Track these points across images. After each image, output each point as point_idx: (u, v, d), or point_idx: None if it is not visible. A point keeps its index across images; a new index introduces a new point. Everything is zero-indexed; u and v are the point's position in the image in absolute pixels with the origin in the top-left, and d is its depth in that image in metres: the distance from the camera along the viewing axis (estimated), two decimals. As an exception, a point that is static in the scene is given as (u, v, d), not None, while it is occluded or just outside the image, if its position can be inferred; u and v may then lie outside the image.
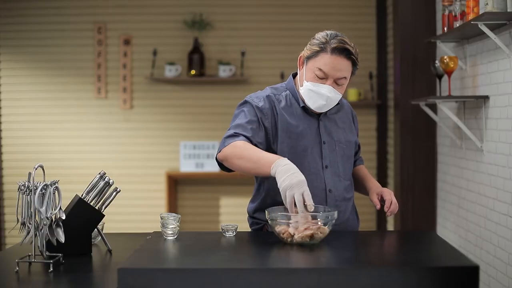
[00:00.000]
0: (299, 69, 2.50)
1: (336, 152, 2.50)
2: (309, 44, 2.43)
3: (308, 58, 2.42)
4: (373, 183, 2.61)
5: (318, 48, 2.38)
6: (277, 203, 2.36)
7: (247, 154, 2.28)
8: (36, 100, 5.80)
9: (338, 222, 2.22)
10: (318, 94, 2.41)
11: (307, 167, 2.43)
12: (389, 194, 2.50)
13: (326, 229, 2.11)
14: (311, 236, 2.08)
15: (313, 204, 2.13)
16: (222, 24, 5.79)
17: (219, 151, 2.38)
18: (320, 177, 2.45)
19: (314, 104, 2.43)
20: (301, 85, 2.46)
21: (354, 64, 2.40)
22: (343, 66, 2.37)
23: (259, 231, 2.54)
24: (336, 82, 2.40)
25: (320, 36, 2.40)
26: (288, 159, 2.40)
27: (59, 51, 5.79)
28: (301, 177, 2.14)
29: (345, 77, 2.40)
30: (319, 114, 2.50)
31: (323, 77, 2.39)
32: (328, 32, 2.41)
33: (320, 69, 2.38)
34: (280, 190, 2.14)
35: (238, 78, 5.67)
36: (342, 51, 2.36)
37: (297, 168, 2.18)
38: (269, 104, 2.46)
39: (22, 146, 5.81)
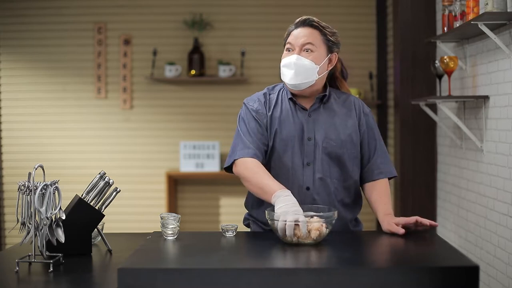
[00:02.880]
0: None
1: (322, 150, 2.44)
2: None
3: (284, 45, 2.52)
4: (382, 214, 2.39)
5: (287, 32, 2.51)
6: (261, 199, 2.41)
7: (254, 179, 2.37)
8: (36, 100, 5.80)
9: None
10: (287, 67, 2.46)
11: (286, 162, 2.44)
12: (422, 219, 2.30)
13: (313, 235, 2.10)
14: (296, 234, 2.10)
15: (307, 233, 2.10)
16: (222, 24, 5.79)
17: (231, 162, 2.46)
18: (299, 174, 2.43)
19: (286, 77, 2.47)
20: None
21: (324, 34, 2.46)
22: (306, 33, 2.45)
23: (258, 231, 2.54)
24: (303, 50, 2.45)
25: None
26: (273, 154, 2.46)
27: (59, 51, 5.79)
28: (298, 208, 2.19)
29: (310, 43, 2.44)
30: (307, 109, 2.49)
31: (290, 49, 2.47)
32: None
33: (287, 43, 2.49)
34: (275, 215, 2.16)
35: (238, 78, 5.67)
36: (303, 21, 2.47)
37: (296, 202, 2.22)
38: (262, 103, 2.51)
39: (22, 146, 5.81)
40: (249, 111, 2.50)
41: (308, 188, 2.43)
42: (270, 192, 2.28)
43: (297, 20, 2.50)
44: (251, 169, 2.39)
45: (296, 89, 2.47)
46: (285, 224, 2.10)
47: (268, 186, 2.30)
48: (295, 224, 2.09)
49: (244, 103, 2.55)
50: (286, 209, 2.17)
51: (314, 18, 2.48)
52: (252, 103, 2.52)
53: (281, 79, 2.53)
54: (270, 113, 2.49)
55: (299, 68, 2.43)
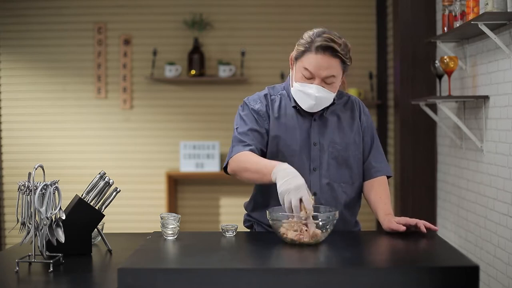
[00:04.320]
0: (291, 69, 2.48)
1: (328, 154, 2.43)
2: (297, 44, 2.41)
3: (296, 58, 2.40)
4: (383, 214, 2.37)
5: (303, 48, 2.36)
6: (267, 200, 2.39)
7: (250, 166, 2.30)
8: (36, 100, 5.80)
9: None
10: (306, 95, 2.38)
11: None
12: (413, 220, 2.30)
13: (319, 235, 2.10)
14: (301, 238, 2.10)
15: (312, 209, 2.10)
16: (222, 24, 5.79)
17: (226, 163, 2.41)
18: (306, 180, 2.36)
19: (305, 104, 2.40)
20: (292, 86, 2.44)
21: (343, 62, 2.35)
22: (329, 64, 2.33)
23: (258, 231, 2.53)
24: (325, 81, 2.36)
25: (307, 35, 2.38)
26: (276, 159, 2.39)
27: (59, 51, 5.79)
28: (300, 180, 2.13)
29: (333, 75, 2.35)
30: (312, 114, 2.46)
31: (310, 77, 2.36)
32: (316, 30, 2.38)
33: (306, 69, 2.35)
34: (279, 195, 2.14)
35: (238, 78, 5.67)
36: (327, 49, 2.31)
37: (297, 172, 2.17)
38: (265, 105, 2.46)
39: (22, 146, 5.81)
40: (250, 111, 2.45)
41: (315, 194, 2.41)
42: (268, 172, 2.22)
43: (317, 42, 2.32)
44: (245, 159, 2.33)
45: None
46: (291, 205, 2.09)
47: (265, 167, 2.24)
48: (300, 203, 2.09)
49: (244, 102, 2.49)
50: (287, 187, 2.12)
51: (335, 43, 2.32)
52: (253, 103, 2.46)
53: (288, 87, 2.49)
54: (273, 116, 2.44)
55: (320, 100, 2.37)
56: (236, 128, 2.45)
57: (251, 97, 2.51)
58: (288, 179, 2.14)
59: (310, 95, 2.37)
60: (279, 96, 2.49)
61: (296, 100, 2.43)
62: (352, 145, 2.48)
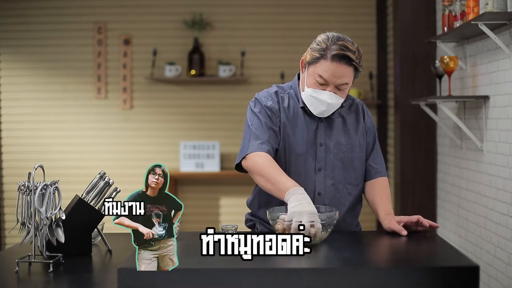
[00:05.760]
0: (302, 71, 2.47)
1: (334, 155, 2.44)
2: (310, 48, 2.38)
3: (309, 63, 2.38)
4: (383, 213, 2.38)
5: (318, 55, 2.34)
6: (272, 198, 2.38)
7: (267, 173, 2.30)
8: (36, 100, 5.80)
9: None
10: (319, 101, 2.37)
11: (299, 168, 2.41)
12: (420, 218, 2.30)
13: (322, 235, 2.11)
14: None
15: (320, 236, 2.09)
16: (222, 24, 5.79)
17: (243, 157, 2.39)
18: (311, 180, 2.41)
19: (316, 110, 2.40)
20: (303, 90, 2.44)
21: (356, 69, 2.36)
22: (344, 72, 2.33)
23: (258, 231, 2.53)
24: (338, 87, 2.36)
25: (321, 40, 2.35)
26: (282, 158, 2.41)
27: (59, 51, 5.79)
28: (313, 208, 2.14)
29: (346, 83, 2.36)
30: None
31: (323, 83, 2.35)
32: (330, 35, 2.35)
33: (320, 76, 2.34)
34: (288, 214, 2.13)
35: (238, 78, 5.67)
36: (343, 58, 2.31)
37: (310, 200, 2.18)
38: (276, 102, 2.45)
39: (22, 146, 5.81)
40: (263, 107, 2.43)
41: (319, 194, 2.42)
42: (283, 189, 2.22)
43: (334, 51, 2.31)
44: (263, 163, 2.32)
45: None
46: (300, 225, 2.07)
47: (282, 183, 2.24)
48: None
49: (256, 98, 2.47)
50: (301, 209, 2.12)
51: (350, 52, 2.31)
52: (265, 100, 2.45)
53: (295, 90, 2.49)
54: (283, 114, 2.44)
55: (331, 106, 2.39)
56: (251, 124, 2.42)
57: (262, 94, 2.49)
58: (302, 203, 2.15)
59: (323, 101, 2.37)
60: (287, 95, 2.49)
61: (307, 104, 2.43)
62: (357, 147, 2.49)
